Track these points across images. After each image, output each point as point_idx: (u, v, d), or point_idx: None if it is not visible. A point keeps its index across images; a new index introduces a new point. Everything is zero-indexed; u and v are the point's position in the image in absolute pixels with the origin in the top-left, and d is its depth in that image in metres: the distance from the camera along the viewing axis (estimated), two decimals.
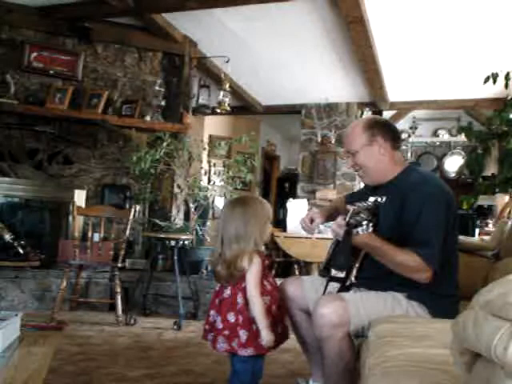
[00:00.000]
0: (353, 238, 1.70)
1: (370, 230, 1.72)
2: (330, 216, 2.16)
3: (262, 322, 1.78)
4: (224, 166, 5.69)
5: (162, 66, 4.99)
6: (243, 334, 1.80)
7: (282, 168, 9.06)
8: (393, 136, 1.96)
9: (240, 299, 1.83)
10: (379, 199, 1.91)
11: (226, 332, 1.81)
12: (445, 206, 1.80)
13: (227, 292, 1.86)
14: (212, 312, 1.90)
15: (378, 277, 1.82)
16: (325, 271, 1.99)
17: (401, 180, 1.92)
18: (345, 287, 1.86)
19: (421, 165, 6.84)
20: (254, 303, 1.80)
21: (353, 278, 1.87)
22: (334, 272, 1.87)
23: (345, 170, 6.36)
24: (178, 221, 4.81)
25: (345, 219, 1.71)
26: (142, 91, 4.88)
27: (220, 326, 1.83)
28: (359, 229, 1.70)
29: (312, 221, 2.10)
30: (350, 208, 1.72)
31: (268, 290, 1.88)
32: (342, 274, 1.85)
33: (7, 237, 4.05)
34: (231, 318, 1.82)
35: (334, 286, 1.88)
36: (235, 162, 4.62)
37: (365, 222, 1.70)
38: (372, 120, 2.03)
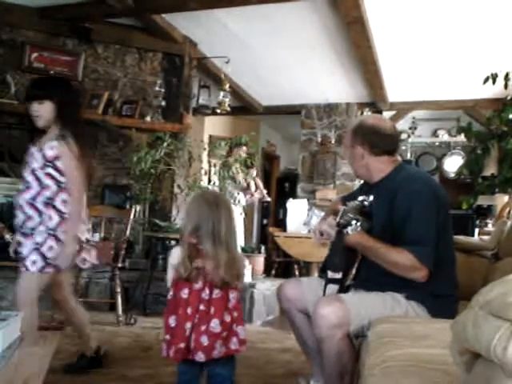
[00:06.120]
0: (345, 238, 1.70)
1: (359, 229, 1.72)
2: None
3: None
4: (224, 166, 5.68)
5: (162, 67, 4.99)
6: (241, 330, 1.77)
7: (282, 168, 9.06)
8: (375, 144, 1.93)
9: (232, 295, 1.78)
10: (367, 198, 1.91)
11: (224, 334, 1.71)
12: (434, 204, 1.80)
13: (215, 293, 1.74)
14: (188, 325, 1.71)
15: (376, 277, 1.83)
16: (323, 273, 1.99)
17: (390, 179, 1.93)
18: (343, 288, 1.86)
19: (411, 163, 6.84)
20: None
21: (351, 279, 1.87)
22: (330, 274, 1.86)
23: (345, 170, 6.36)
24: (178, 221, 4.81)
25: (335, 219, 1.71)
26: (143, 91, 4.88)
27: (218, 329, 1.70)
28: (349, 228, 1.71)
29: (322, 234, 1.98)
30: (341, 208, 1.73)
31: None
32: (338, 276, 1.85)
33: (7, 237, 4.04)
34: (227, 318, 1.73)
35: (334, 287, 1.87)
36: (235, 162, 4.62)
37: (353, 222, 1.70)
38: (359, 125, 1.99)
